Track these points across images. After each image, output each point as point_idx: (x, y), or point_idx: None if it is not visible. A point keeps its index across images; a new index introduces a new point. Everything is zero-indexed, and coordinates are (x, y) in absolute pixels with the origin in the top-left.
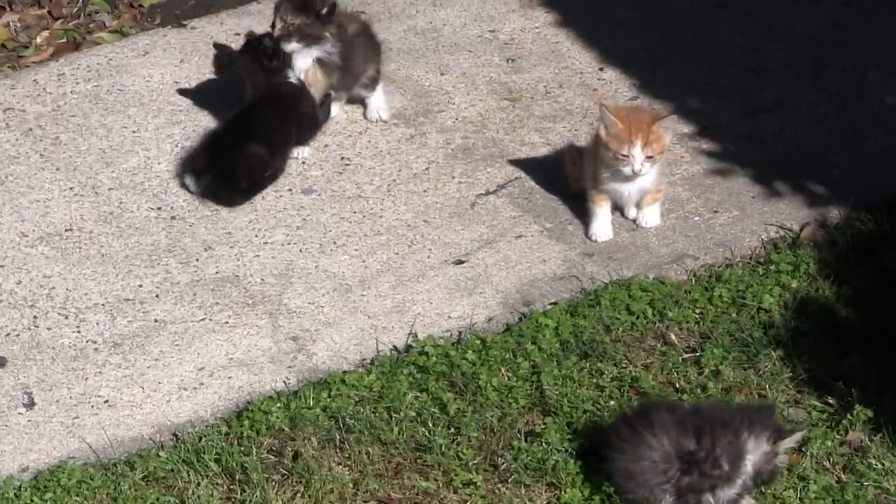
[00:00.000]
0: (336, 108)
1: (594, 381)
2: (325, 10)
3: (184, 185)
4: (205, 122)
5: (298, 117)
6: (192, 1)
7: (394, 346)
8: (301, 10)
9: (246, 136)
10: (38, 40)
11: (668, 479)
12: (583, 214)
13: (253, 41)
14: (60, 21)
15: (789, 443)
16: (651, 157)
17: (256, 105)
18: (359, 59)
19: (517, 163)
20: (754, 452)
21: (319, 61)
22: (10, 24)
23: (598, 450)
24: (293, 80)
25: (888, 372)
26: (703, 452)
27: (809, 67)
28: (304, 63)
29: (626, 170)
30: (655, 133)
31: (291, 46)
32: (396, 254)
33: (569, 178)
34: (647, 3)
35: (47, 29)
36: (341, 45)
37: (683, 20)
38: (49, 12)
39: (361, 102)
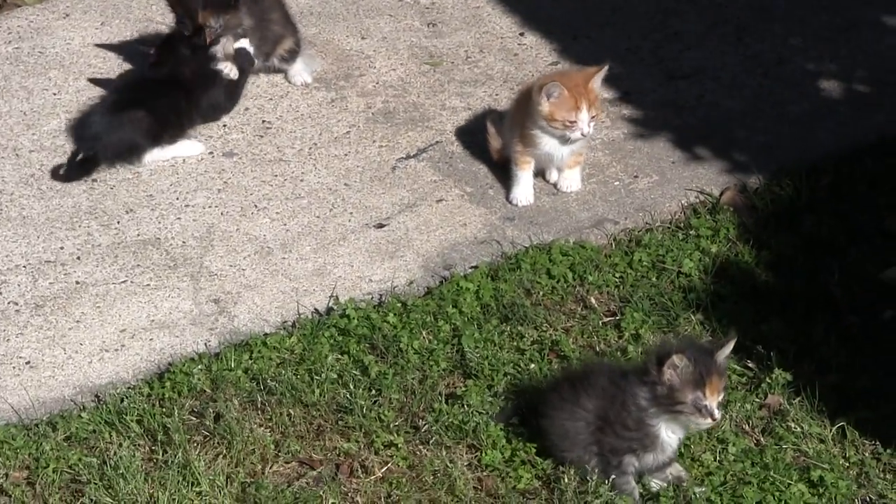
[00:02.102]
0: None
1: (515, 344)
2: (235, 3)
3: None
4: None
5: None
6: None
7: (315, 309)
8: (222, 10)
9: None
10: None
11: (594, 440)
12: (503, 179)
13: (179, 40)
14: None
15: (669, 366)
16: (595, 116)
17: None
18: (276, 24)
19: (438, 127)
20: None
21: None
22: None
23: (524, 410)
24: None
25: (806, 336)
26: (613, 414)
27: (731, 34)
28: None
29: (576, 134)
30: (593, 91)
31: (219, 45)
32: (318, 217)
33: (492, 149)
34: None
35: None
36: (251, 5)
37: None
38: None
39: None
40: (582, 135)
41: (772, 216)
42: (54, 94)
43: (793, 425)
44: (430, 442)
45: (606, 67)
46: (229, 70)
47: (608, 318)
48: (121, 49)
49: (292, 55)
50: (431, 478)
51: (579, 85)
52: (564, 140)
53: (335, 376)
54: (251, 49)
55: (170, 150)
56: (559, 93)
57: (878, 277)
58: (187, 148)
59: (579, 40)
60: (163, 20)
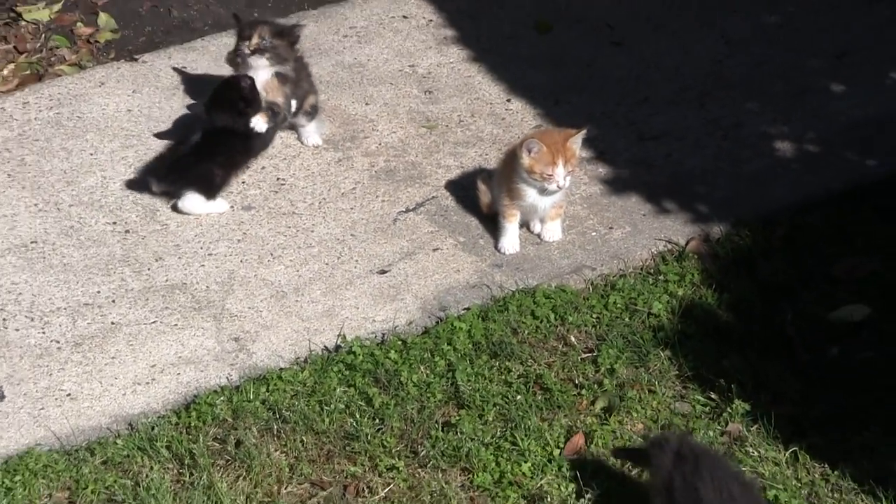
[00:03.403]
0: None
1: (503, 377)
2: (293, 38)
3: (146, 187)
4: (155, 145)
5: (250, 150)
6: (143, 37)
7: (325, 347)
8: (279, 35)
9: (209, 156)
10: (5, 72)
11: None
12: (492, 230)
13: (232, 86)
14: (25, 55)
15: None
16: (571, 171)
17: (222, 133)
18: (305, 82)
19: (434, 184)
20: None
21: (278, 74)
22: None
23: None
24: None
25: (763, 371)
26: None
27: (694, 99)
28: (265, 75)
29: (552, 186)
30: (571, 149)
31: (260, 61)
32: (327, 264)
33: (482, 203)
34: (550, 41)
35: (13, 62)
36: (294, 64)
37: (583, 58)
38: (15, 47)
39: (294, 129)
40: (558, 187)
41: (732, 263)
42: (91, 155)
43: (751, 450)
44: (428, 465)
45: (585, 130)
46: (256, 122)
47: (586, 354)
48: (151, 114)
49: (314, 111)
50: (429, 497)
51: (557, 142)
52: (543, 191)
53: (343, 406)
54: (292, 103)
55: (207, 206)
56: (538, 148)
57: (826, 318)
58: (219, 206)
59: (560, 105)
60: (189, 88)
